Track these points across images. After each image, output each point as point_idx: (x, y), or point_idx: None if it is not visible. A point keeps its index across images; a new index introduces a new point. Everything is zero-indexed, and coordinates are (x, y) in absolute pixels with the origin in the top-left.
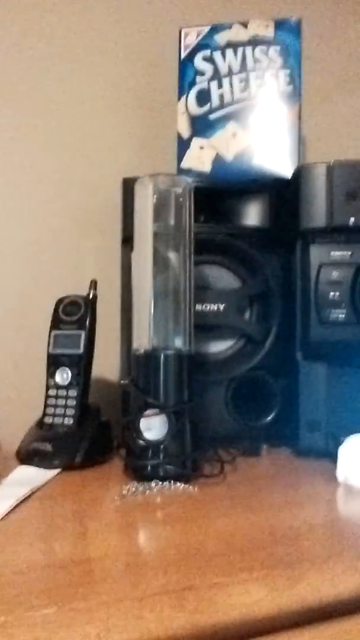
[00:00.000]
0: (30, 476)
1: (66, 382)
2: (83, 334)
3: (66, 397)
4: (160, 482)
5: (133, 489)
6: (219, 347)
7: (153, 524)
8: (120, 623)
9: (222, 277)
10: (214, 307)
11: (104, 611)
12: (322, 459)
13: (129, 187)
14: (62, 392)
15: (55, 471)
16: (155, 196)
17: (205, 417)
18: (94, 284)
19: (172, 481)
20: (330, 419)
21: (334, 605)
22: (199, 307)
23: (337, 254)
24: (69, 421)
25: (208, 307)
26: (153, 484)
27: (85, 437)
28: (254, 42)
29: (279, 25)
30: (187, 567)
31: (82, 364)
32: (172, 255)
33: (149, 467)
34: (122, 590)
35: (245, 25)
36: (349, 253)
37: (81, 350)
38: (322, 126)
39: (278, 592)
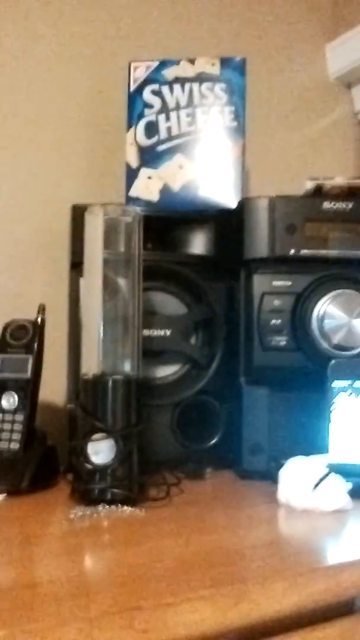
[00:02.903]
0: None
1: (13, 407)
2: (30, 359)
3: (12, 422)
4: (108, 506)
5: (80, 513)
6: (165, 371)
7: (100, 547)
8: None
9: (169, 303)
10: (160, 332)
11: (55, 632)
12: (264, 481)
13: (78, 214)
14: (9, 417)
15: (1, 496)
16: (105, 225)
17: (151, 440)
18: (42, 309)
19: (119, 505)
20: (272, 442)
21: (276, 622)
22: (146, 332)
23: (278, 283)
24: (15, 446)
25: (155, 333)
26: (100, 507)
27: (31, 461)
28: (201, 78)
29: (225, 63)
30: (135, 588)
31: (29, 389)
32: (122, 282)
33: (96, 491)
34: (72, 612)
35: (192, 62)
36: (290, 282)
37: (28, 374)
38: (264, 159)
39: (223, 611)
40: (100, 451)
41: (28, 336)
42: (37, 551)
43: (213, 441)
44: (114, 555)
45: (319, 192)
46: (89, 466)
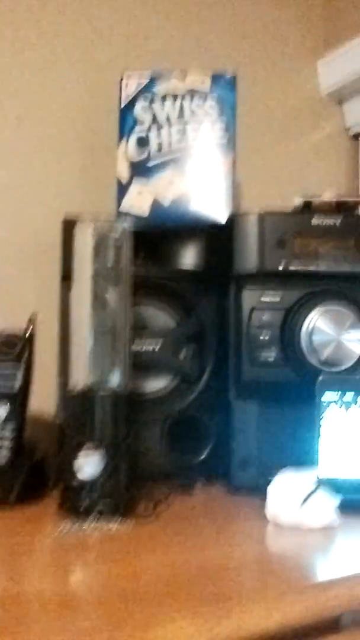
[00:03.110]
0: None
1: (2, 418)
2: (20, 370)
3: (1, 433)
4: (95, 520)
5: (67, 528)
6: (154, 385)
7: (86, 563)
8: None
9: (159, 317)
10: (150, 346)
11: None
12: (253, 496)
13: (68, 227)
14: None
15: None
16: (94, 239)
17: (140, 455)
18: (33, 320)
19: (107, 519)
20: (262, 456)
21: None
22: (135, 346)
23: (267, 298)
24: (4, 458)
25: (144, 347)
26: (87, 522)
27: (19, 474)
28: (192, 91)
29: (215, 79)
30: (118, 606)
31: (18, 401)
32: (110, 296)
33: (83, 506)
34: (53, 630)
35: (183, 76)
36: (279, 298)
37: (18, 386)
38: (256, 175)
39: (205, 630)
40: (88, 465)
41: (18, 347)
42: (23, 567)
43: (202, 456)
44: (98, 572)
45: (308, 208)
46: (76, 480)
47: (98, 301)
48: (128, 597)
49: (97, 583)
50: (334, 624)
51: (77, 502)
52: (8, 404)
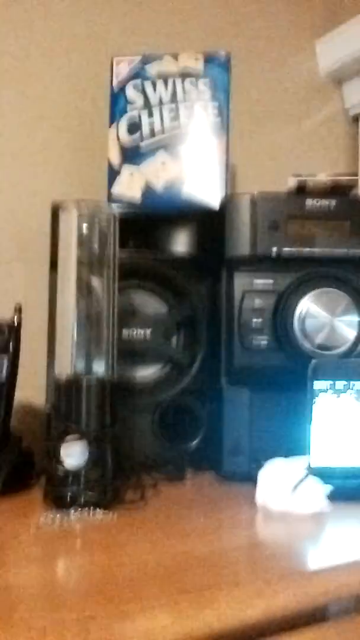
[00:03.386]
0: None
1: None
2: (6, 360)
3: None
4: (80, 510)
5: (51, 517)
6: (145, 372)
7: (69, 553)
8: None
9: (150, 303)
10: (140, 332)
11: None
12: (245, 483)
13: (58, 212)
14: None
15: None
16: (79, 221)
17: (131, 442)
18: (18, 309)
19: (91, 508)
20: (253, 443)
21: (240, 631)
22: (125, 332)
23: (259, 282)
24: None
25: (135, 332)
26: (72, 511)
27: (4, 464)
28: (184, 74)
29: (209, 58)
30: (96, 595)
31: (4, 391)
32: (96, 281)
33: (68, 495)
34: (25, 622)
35: (175, 57)
36: (271, 281)
37: (3, 376)
38: (252, 157)
39: (183, 619)
40: (73, 454)
41: (4, 337)
42: (4, 557)
43: (194, 442)
44: (81, 561)
45: (302, 190)
46: (61, 469)
47: (83, 287)
48: (107, 587)
49: (79, 573)
50: (321, 613)
51: (62, 491)
52: None
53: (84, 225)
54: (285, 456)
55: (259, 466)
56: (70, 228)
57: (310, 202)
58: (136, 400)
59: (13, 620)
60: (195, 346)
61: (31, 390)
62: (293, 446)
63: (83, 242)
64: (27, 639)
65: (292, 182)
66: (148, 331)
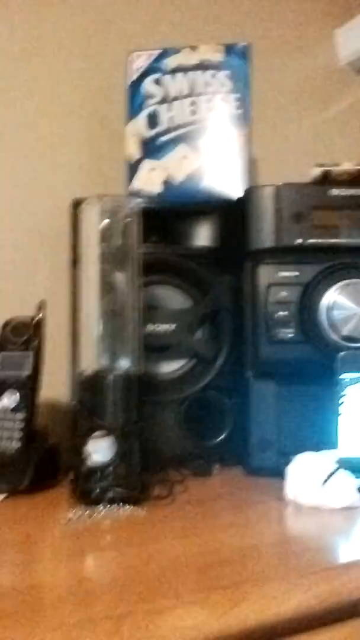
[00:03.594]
0: None
1: (13, 406)
2: (30, 356)
3: (13, 421)
4: (108, 506)
5: (79, 513)
6: (170, 367)
7: (98, 549)
8: None
9: (174, 297)
10: (165, 326)
11: (41, 638)
12: (273, 478)
13: (78, 208)
14: (9, 416)
15: (1, 496)
16: (102, 216)
17: (156, 437)
18: (42, 305)
19: (120, 504)
20: (281, 437)
21: (275, 626)
22: (150, 327)
23: (284, 274)
24: (15, 445)
25: (159, 327)
26: (100, 507)
27: (31, 461)
28: (203, 66)
29: (228, 49)
30: (129, 592)
31: (29, 387)
32: (119, 276)
33: (96, 490)
34: (60, 617)
35: (194, 49)
36: (296, 273)
37: (28, 372)
38: (272, 149)
39: (218, 615)
40: (100, 449)
41: (28, 333)
42: (34, 554)
43: (220, 437)
44: (111, 557)
45: (326, 179)
46: (88, 465)
47: (106, 282)
48: (138, 583)
49: (108, 569)
50: (353, 608)
51: (89, 487)
52: (17, 392)
53: (106, 220)
54: (314, 450)
55: (287, 461)
56: (93, 223)
57: (334, 192)
58: (161, 396)
59: (45, 617)
60: (220, 340)
61: (54, 386)
62: (321, 439)
63: (106, 236)
64: (64, 635)
65: (315, 172)
66: (172, 326)
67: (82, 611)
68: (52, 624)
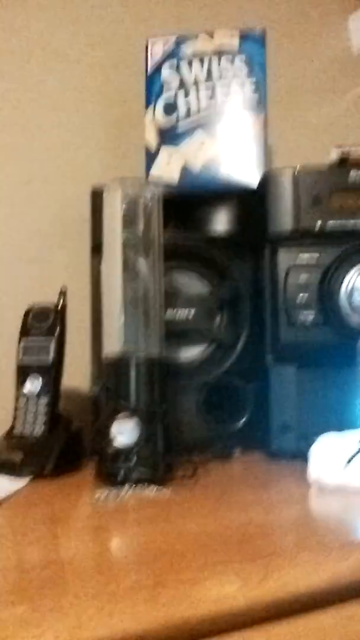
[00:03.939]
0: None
1: (36, 391)
2: (53, 343)
3: (36, 406)
4: (134, 486)
5: (105, 494)
6: (189, 352)
7: (125, 526)
8: (92, 620)
9: (192, 283)
10: (184, 312)
11: (76, 608)
12: (294, 461)
13: (97, 196)
14: (32, 402)
15: (26, 480)
16: (124, 201)
17: (177, 422)
18: (63, 293)
19: (145, 484)
20: (302, 420)
21: (306, 598)
22: (169, 312)
23: (304, 256)
24: (39, 430)
25: (178, 313)
26: (126, 488)
27: (55, 445)
28: (220, 52)
29: (244, 35)
30: (160, 565)
31: (51, 373)
32: (142, 261)
33: (121, 472)
34: (94, 589)
35: (211, 35)
36: (316, 255)
37: (51, 358)
38: (288, 135)
39: (250, 585)
40: (125, 431)
41: (50, 320)
42: (62, 531)
43: (241, 422)
44: (139, 533)
45: (345, 161)
46: (113, 446)
47: (129, 267)
48: (168, 557)
49: (136, 544)
50: None
51: (114, 469)
52: (41, 377)
53: (129, 205)
54: (335, 432)
55: (308, 443)
56: (115, 207)
57: (354, 174)
58: (181, 381)
59: (83, 587)
60: (239, 325)
61: (75, 373)
62: (341, 421)
63: (128, 222)
64: (100, 605)
65: (334, 154)
66: (192, 311)
67: (117, 582)
68: (90, 592)
